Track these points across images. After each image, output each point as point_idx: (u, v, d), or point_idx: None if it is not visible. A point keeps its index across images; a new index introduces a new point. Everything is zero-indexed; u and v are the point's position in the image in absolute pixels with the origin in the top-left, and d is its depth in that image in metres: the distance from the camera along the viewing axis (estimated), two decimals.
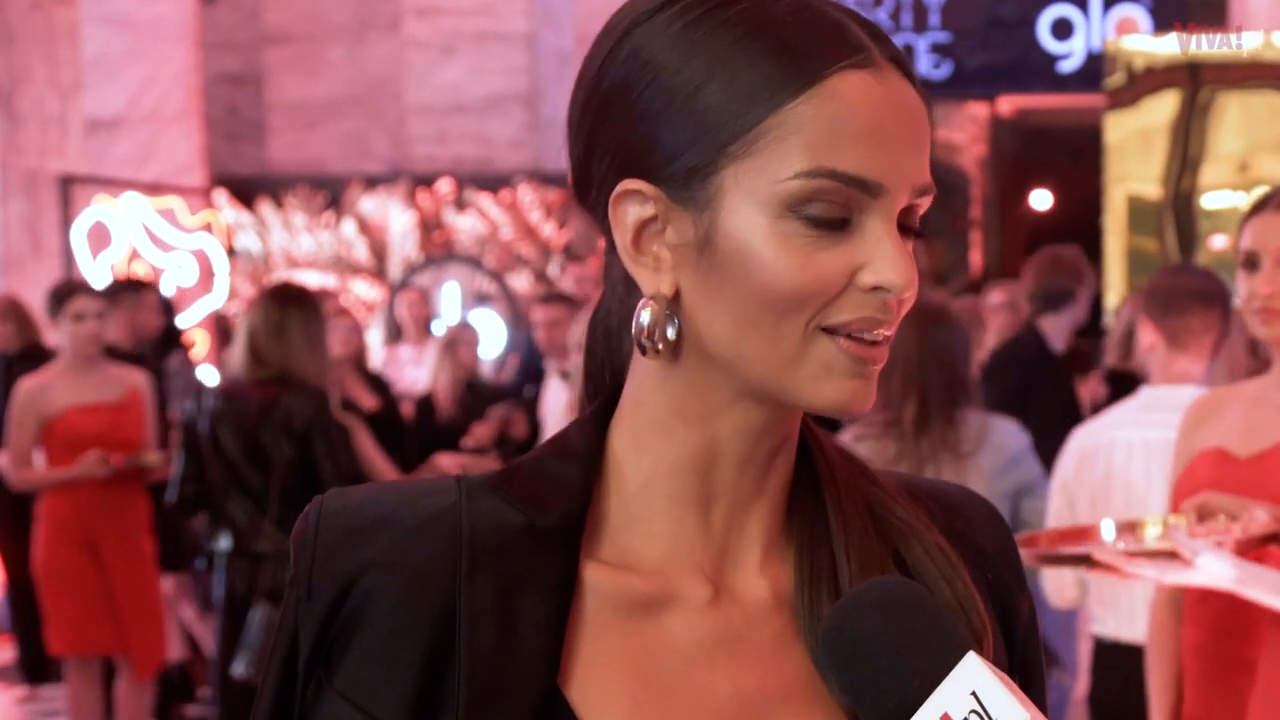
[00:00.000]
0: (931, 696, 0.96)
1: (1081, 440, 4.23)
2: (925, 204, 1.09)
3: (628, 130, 1.07)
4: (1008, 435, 4.16)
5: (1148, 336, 4.11)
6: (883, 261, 1.05)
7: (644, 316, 1.08)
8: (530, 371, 8.43)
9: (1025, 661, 1.19)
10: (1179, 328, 3.98)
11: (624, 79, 1.08)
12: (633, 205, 1.08)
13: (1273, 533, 2.70)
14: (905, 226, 1.08)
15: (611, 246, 1.12)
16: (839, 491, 1.15)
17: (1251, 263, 2.86)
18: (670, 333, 1.08)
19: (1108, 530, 2.87)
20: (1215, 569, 2.62)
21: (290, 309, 5.28)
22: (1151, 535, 2.80)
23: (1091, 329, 9.32)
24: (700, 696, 1.10)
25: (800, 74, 1.04)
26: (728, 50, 1.05)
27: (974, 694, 0.94)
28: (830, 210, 1.04)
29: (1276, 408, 2.98)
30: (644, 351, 1.09)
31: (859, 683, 1.01)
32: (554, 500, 1.11)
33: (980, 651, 1.02)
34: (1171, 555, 2.66)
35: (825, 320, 1.06)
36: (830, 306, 1.05)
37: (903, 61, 1.08)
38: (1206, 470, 3.00)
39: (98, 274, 10.71)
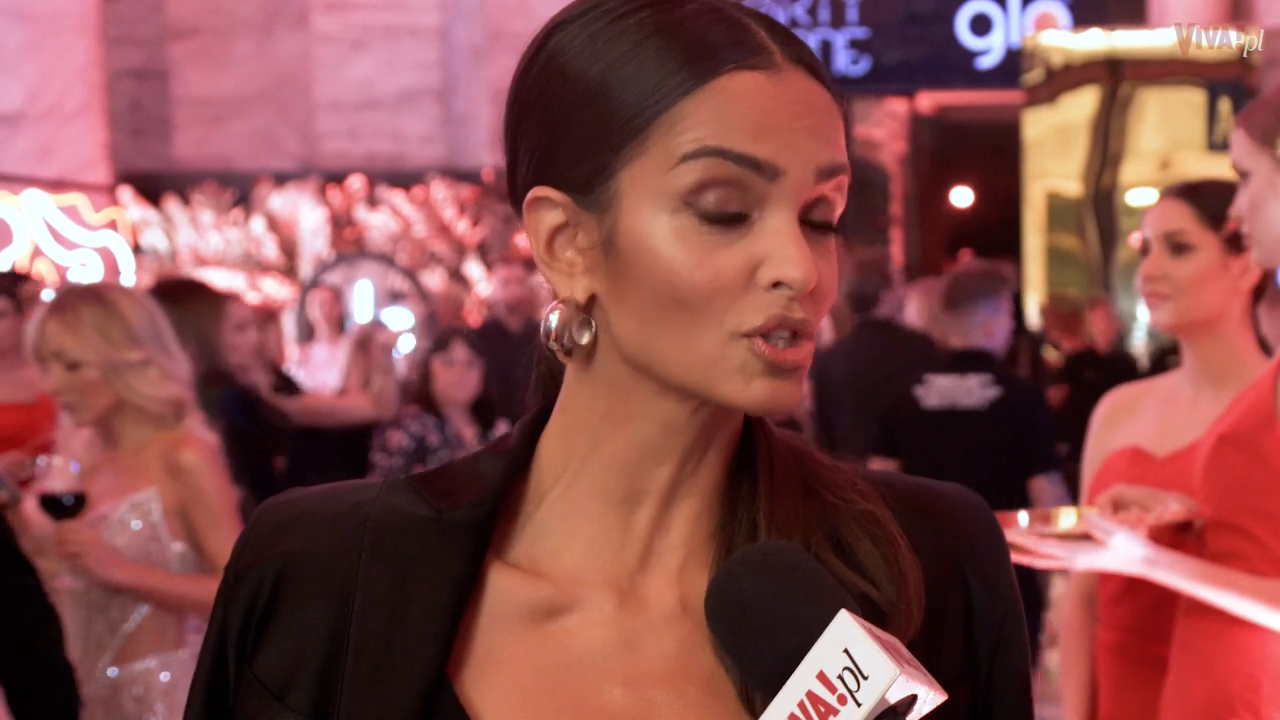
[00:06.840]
0: (807, 656, 0.97)
1: None
2: (838, 195, 1.07)
3: (540, 136, 1.10)
4: None
5: None
6: (781, 255, 1.04)
7: (552, 320, 1.09)
8: None
9: (994, 668, 1.16)
10: None
11: (539, 86, 1.10)
12: (544, 212, 1.10)
13: (1185, 522, 2.71)
14: (820, 222, 1.07)
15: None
16: (773, 469, 1.14)
17: (1145, 249, 3.00)
18: (585, 337, 1.10)
19: (1022, 519, 2.89)
20: (1127, 550, 2.63)
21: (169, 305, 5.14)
22: (1065, 525, 2.81)
23: (1015, 327, 9.23)
24: (591, 700, 1.11)
25: (692, 73, 1.04)
26: (627, 54, 1.06)
27: (846, 651, 0.96)
28: (724, 203, 1.04)
29: (1190, 405, 2.99)
30: (551, 353, 1.11)
31: (740, 644, 1.03)
32: (466, 495, 1.14)
33: (895, 623, 1.06)
34: (1083, 538, 2.67)
35: (739, 326, 1.05)
36: (738, 309, 1.05)
37: (812, 63, 1.07)
38: (1122, 469, 3.02)
39: None
